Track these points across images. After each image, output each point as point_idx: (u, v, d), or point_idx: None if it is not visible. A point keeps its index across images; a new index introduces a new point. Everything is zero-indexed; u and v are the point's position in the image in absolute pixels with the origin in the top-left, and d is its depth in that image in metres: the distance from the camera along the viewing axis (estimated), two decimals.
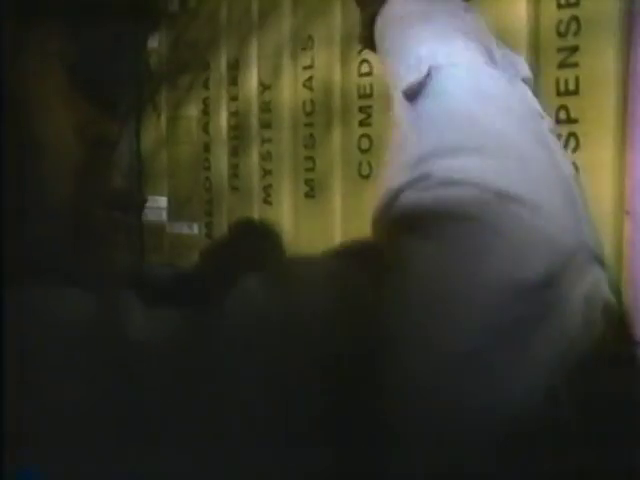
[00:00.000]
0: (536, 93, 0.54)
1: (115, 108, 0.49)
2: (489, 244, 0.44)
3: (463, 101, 0.50)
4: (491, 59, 0.53)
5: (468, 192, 0.46)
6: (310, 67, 0.74)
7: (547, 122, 0.52)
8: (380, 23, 0.58)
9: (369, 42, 0.61)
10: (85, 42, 0.46)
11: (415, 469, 0.41)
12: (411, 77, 0.52)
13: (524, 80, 0.54)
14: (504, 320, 0.42)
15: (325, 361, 0.39)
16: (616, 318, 0.47)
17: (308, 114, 0.74)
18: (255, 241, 0.56)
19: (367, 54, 0.68)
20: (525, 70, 0.54)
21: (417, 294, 0.41)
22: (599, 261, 0.48)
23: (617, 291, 0.48)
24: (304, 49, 0.75)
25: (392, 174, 0.51)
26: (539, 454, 0.45)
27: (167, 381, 0.37)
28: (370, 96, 0.68)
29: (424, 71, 0.51)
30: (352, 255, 0.46)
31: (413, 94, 0.51)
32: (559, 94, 0.55)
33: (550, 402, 0.44)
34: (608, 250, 0.54)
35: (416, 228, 0.47)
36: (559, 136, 0.55)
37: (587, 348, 0.45)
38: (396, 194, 0.50)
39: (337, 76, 0.72)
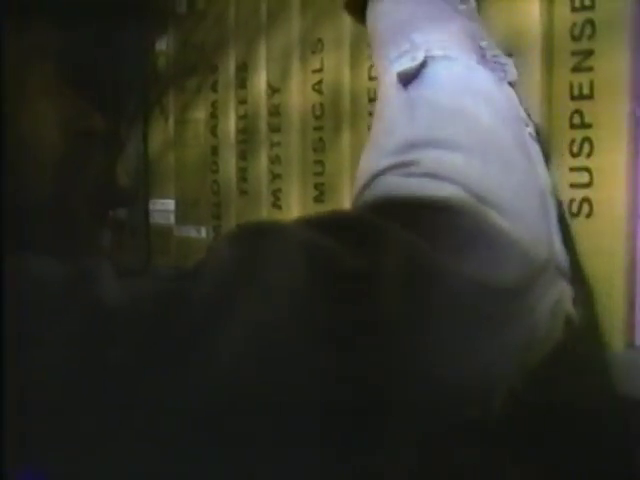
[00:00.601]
0: (521, 98, 0.54)
1: (106, 102, 0.48)
2: (466, 246, 0.44)
3: (456, 96, 0.50)
4: (482, 58, 0.53)
5: (452, 190, 0.46)
6: (319, 70, 0.74)
7: (530, 128, 0.52)
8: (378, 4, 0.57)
9: (355, 9, 0.60)
10: (75, 33, 0.46)
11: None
12: (405, 61, 0.52)
13: (511, 84, 0.54)
14: (474, 319, 0.42)
15: (299, 332, 0.38)
16: (576, 331, 0.48)
17: (317, 118, 0.74)
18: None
19: None
20: (513, 73, 0.54)
21: (392, 280, 0.41)
22: (565, 275, 0.49)
23: (580, 304, 0.50)
24: (313, 52, 0.74)
25: (376, 155, 0.51)
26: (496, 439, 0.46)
27: (142, 349, 0.36)
28: None
29: (420, 58, 0.51)
30: (330, 227, 0.45)
31: (407, 79, 0.51)
32: (573, 98, 0.55)
33: (509, 398, 0.45)
34: (621, 255, 0.53)
35: (397, 211, 0.47)
36: (572, 141, 0.55)
37: (547, 355, 0.47)
38: (377, 176, 0.49)
39: (347, 80, 0.71)
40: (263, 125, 0.81)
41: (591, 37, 0.54)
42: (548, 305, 0.46)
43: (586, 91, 0.54)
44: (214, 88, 0.87)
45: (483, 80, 0.52)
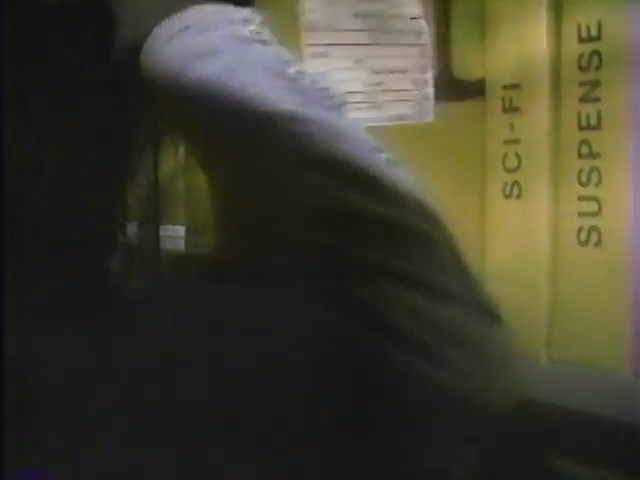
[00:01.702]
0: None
1: (118, 131, 0.48)
2: None
3: None
4: (299, 92, 0.45)
5: None
6: None
7: (383, 156, 0.47)
8: (154, 46, 0.46)
9: None
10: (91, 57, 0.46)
11: None
12: None
13: (341, 105, 0.46)
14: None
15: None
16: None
17: None
18: None
19: None
20: (341, 98, 0.46)
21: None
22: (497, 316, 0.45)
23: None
24: None
25: None
26: None
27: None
28: None
29: None
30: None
31: None
32: (581, 128, 0.55)
33: None
34: (628, 283, 0.53)
35: None
36: (580, 171, 0.55)
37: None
38: None
39: None
40: None
41: (598, 68, 0.54)
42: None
43: (593, 121, 0.54)
44: None
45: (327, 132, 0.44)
